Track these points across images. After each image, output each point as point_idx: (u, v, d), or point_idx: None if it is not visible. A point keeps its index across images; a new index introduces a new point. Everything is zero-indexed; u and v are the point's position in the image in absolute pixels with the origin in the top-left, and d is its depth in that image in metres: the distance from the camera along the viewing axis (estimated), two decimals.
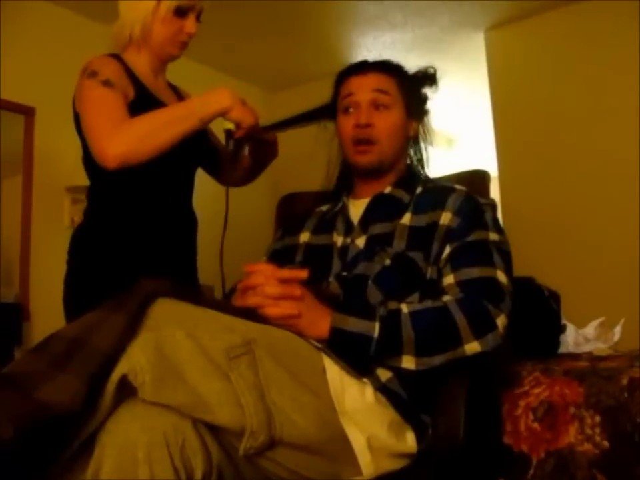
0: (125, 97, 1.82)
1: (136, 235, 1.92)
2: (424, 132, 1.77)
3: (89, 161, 1.89)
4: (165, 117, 1.77)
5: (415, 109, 1.72)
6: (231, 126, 1.77)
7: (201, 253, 2.11)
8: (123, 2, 1.94)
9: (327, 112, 1.78)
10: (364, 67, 1.68)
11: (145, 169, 1.76)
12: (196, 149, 1.98)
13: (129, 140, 1.70)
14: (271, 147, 2.04)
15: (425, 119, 1.77)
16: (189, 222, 2.07)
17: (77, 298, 1.92)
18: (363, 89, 1.64)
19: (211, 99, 1.75)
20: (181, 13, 1.90)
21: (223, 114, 1.74)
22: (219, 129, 1.87)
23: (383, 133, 1.62)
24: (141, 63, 1.96)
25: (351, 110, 1.65)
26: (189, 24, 1.92)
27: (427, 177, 1.76)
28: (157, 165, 1.77)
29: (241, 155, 2.00)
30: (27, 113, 3.44)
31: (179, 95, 2.11)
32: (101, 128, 1.73)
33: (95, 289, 1.86)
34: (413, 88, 1.71)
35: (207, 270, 2.14)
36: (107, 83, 1.79)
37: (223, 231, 1.77)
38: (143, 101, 1.87)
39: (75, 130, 1.91)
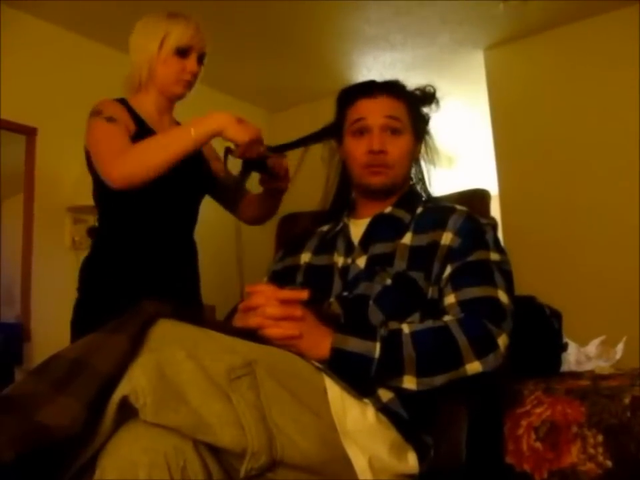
0: (127, 130, 1.96)
1: (141, 265, 2.03)
2: (426, 152, 1.77)
3: (98, 197, 2.08)
4: (160, 139, 1.89)
5: (420, 130, 1.72)
6: (229, 144, 1.84)
7: (202, 274, 2.12)
8: (132, 49, 2.07)
9: (331, 132, 1.78)
10: (373, 90, 1.67)
11: (149, 203, 1.96)
12: (198, 183, 2.11)
13: (132, 162, 1.82)
14: (280, 180, 2.08)
15: (428, 138, 1.77)
16: (190, 251, 2.17)
17: (85, 323, 1.97)
18: (375, 113, 1.64)
19: (205, 121, 1.83)
20: (181, 53, 2.04)
21: (217, 134, 1.82)
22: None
23: (396, 158, 1.63)
24: (147, 103, 2.09)
25: (362, 134, 1.65)
26: (190, 63, 2.06)
27: (428, 196, 1.76)
28: (161, 198, 1.97)
29: (244, 183, 2.07)
30: (29, 133, 3.44)
31: None
32: (106, 155, 1.86)
33: (103, 316, 1.91)
34: (418, 109, 1.72)
35: (208, 290, 2.14)
36: (110, 119, 1.93)
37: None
38: (142, 135, 1.97)
39: (86, 164, 2.05)
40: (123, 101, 2.06)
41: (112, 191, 1.87)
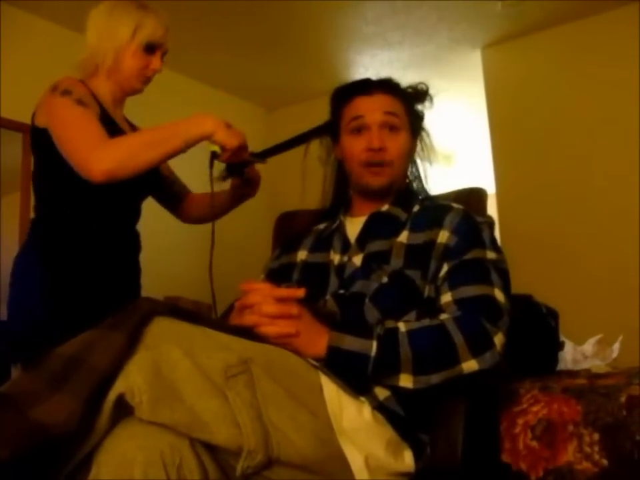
0: (97, 116, 1.88)
1: (82, 260, 1.96)
2: (422, 149, 1.77)
3: (38, 182, 2.00)
4: (151, 136, 1.82)
5: (416, 127, 1.72)
6: (216, 148, 1.80)
7: (198, 271, 2.12)
8: (96, 31, 1.99)
9: (326, 130, 1.78)
10: (370, 87, 1.67)
11: (94, 196, 1.86)
12: (147, 181, 2.03)
13: (117, 156, 1.75)
14: (252, 186, 2.12)
15: (424, 135, 1.77)
16: (133, 245, 2.13)
17: (26, 324, 1.92)
18: (373, 111, 1.63)
19: (195, 123, 1.80)
20: (150, 49, 1.99)
21: (207, 137, 1.79)
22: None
23: (395, 155, 1.63)
24: (104, 91, 2.02)
25: (360, 132, 1.65)
26: (155, 61, 2.01)
27: (425, 194, 1.76)
28: (106, 193, 1.86)
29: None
30: (25, 130, 3.44)
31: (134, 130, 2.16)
32: (86, 143, 1.77)
33: (45, 315, 1.90)
34: (413, 106, 1.71)
35: (204, 288, 2.13)
36: (81, 102, 1.85)
37: (210, 262, 1.77)
38: (105, 123, 1.91)
39: (30, 144, 1.98)
40: (83, 83, 1.97)
41: (60, 179, 1.82)
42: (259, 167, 2.03)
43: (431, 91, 1.73)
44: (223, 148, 1.80)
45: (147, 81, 2.05)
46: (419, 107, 1.74)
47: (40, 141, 1.91)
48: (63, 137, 1.83)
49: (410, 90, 1.72)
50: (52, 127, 1.86)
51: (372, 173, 1.63)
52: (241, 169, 1.98)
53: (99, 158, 1.74)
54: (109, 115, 1.99)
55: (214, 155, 1.82)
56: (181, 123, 1.81)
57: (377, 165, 1.62)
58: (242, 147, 1.82)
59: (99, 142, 1.77)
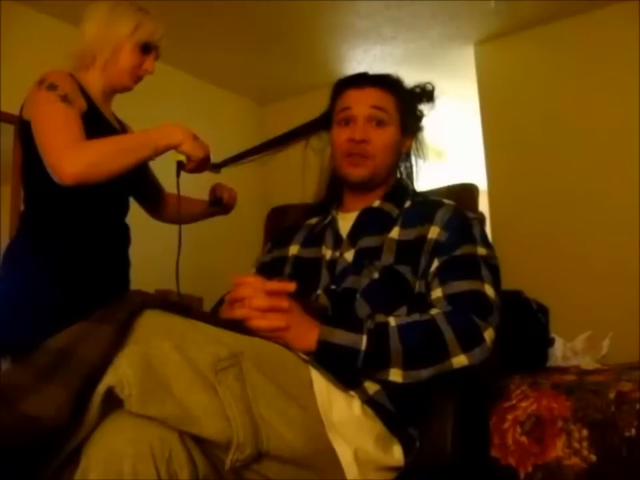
0: (80, 113, 1.87)
1: (72, 253, 1.96)
2: (417, 147, 1.77)
3: (26, 175, 1.99)
4: (123, 143, 1.87)
5: (410, 125, 1.72)
6: (182, 158, 1.86)
7: (189, 265, 2.12)
8: (96, 24, 2.00)
9: (321, 123, 1.78)
10: (363, 81, 1.68)
11: (82, 190, 1.81)
12: (133, 176, 2.01)
13: (88, 161, 1.75)
14: (227, 209, 2.21)
15: (419, 134, 1.77)
16: (123, 238, 2.14)
17: (16, 317, 1.90)
18: (361, 103, 1.64)
19: (165, 132, 1.84)
20: (146, 49, 2.02)
21: (175, 147, 1.84)
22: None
23: (378, 149, 1.63)
24: (94, 85, 2.03)
25: (347, 123, 1.65)
26: (148, 62, 2.04)
27: (414, 191, 1.76)
28: (93, 188, 1.82)
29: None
30: (15, 122, 3.43)
31: (123, 128, 2.17)
32: (60, 144, 1.77)
33: (36, 308, 1.88)
34: (409, 105, 1.71)
35: (195, 281, 2.14)
36: (65, 99, 1.84)
37: (177, 256, 1.82)
38: (93, 117, 1.93)
39: (19, 134, 1.98)
40: (72, 76, 1.97)
41: (46, 172, 1.79)
42: (251, 168, 2.09)
43: (436, 92, 1.73)
44: (188, 158, 1.85)
45: (138, 79, 2.07)
46: (422, 106, 1.74)
47: (26, 133, 1.89)
48: (40, 132, 1.83)
49: (417, 89, 1.72)
50: (32, 121, 1.86)
51: (351, 164, 1.64)
52: (220, 202, 2.12)
53: (70, 160, 1.74)
54: (97, 109, 1.99)
55: (180, 165, 1.88)
56: (152, 132, 1.84)
57: (357, 155, 1.63)
58: (206, 158, 1.88)
59: (74, 142, 1.77)
